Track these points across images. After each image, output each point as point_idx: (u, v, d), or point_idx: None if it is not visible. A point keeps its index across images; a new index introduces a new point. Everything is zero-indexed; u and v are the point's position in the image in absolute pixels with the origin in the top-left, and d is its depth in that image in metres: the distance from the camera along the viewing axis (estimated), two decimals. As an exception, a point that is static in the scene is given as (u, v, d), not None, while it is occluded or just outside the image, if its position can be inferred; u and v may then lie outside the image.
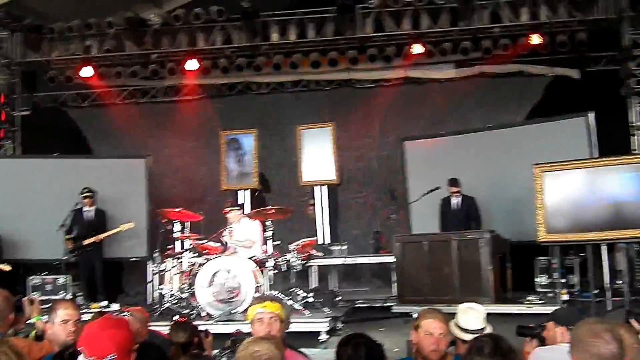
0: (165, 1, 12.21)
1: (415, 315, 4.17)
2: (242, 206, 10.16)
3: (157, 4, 12.11)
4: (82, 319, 4.09)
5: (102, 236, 10.04)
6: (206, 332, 4.76)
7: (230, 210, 9.32)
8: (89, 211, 10.21)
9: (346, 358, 3.34)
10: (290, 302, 8.16)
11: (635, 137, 10.37)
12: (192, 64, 11.10)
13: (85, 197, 10.12)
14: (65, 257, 9.96)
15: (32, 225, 10.46)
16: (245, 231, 9.17)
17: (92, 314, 4.54)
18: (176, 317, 7.84)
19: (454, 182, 9.85)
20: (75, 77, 11.57)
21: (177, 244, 9.29)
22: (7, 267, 9.54)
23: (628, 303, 8.06)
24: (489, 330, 4.07)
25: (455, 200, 9.90)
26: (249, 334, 3.76)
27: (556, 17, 10.29)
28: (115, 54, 11.33)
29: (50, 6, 11.43)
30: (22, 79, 12.04)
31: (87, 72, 11.36)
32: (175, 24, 10.83)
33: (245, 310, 7.75)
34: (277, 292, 8.34)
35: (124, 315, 4.45)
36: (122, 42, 11.21)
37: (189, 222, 9.40)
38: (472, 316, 4.14)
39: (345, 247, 10.56)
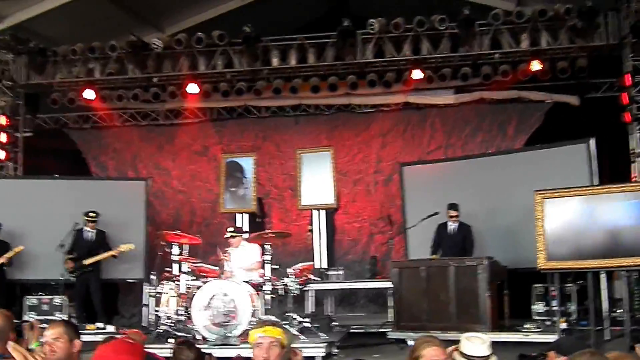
0: (167, 25, 12.37)
1: (410, 343, 4.09)
2: (242, 231, 10.12)
3: (160, 28, 12.26)
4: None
5: (102, 256, 10.06)
6: (210, 355, 4.76)
7: (231, 236, 9.31)
8: (89, 232, 10.27)
9: None
10: (286, 327, 8.08)
11: (636, 164, 10.31)
12: (193, 88, 11.17)
13: (90, 221, 10.20)
14: (64, 278, 9.99)
15: (31, 246, 10.42)
16: (244, 255, 9.15)
17: (104, 337, 4.48)
18: (171, 340, 7.83)
19: (453, 206, 9.82)
20: (77, 99, 11.68)
21: (175, 266, 9.26)
22: (19, 249, 10.02)
23: (628, 333, 7.94)
24: (494, 358, 4.01)
25: (452, 226, 9.87)
26: (249, 359, 3.73)
27: (557, 43, 10.31)
28: (118, 77, 11.42)
29: (55, 30, 11.59)
30: (25, 101, 12.12)
31: (89, 94, 11.45)
32: (177, 47, 10.92)
33: (241, 334, 7.78)
34: (273, 316, 8.27)
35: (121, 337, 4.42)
36: (125, 66, 11.32)
37: (187, 245, 9.38)
38: (477, 343, 4.07)
39: (342, 271, 10.50)
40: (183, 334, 8.26)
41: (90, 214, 10.20)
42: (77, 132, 13.11)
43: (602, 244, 8.14)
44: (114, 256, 10.18)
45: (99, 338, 4.44)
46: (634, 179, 10.06)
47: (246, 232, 10.15)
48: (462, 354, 4.01)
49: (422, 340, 3.75)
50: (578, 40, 10.30)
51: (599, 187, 8.67)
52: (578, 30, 10.16)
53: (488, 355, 3.98)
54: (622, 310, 8.51)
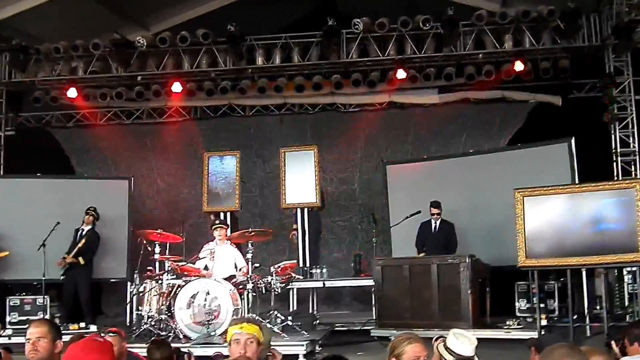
0: (152, 24, 12.33)
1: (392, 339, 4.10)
2: (228, 225, 10.09)
3: (144, 27, 12.21)
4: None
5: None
6: (189, 353, 4.78)
7: (216, 227, 9.29)
8: (81, 229, 10.25)
9: None
10: (269, 325, 8.10)
11: (617, 163, 10.44)
12: (177, 86, 11.15)
13: (87, 214, 10.21)
14: (45, 278, 9.90)
15: (13, 246, 10.38)
16: (227, 253, 9.15)
17: (71, 336, 4.46)
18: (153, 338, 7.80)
19: (435, 204, 9.86)
20: (60, 97, 11.61)
21: (157, 265, 9.24)
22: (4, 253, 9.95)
23: (607, 329, 8.02)
24: None
25: (435, 223, 9.91)
26: (228, 357, 3.75)
27: (540, 44, 10.39)
28: (101, 75, 11.35)
29: (38, 27, 11.50)
30: (7, 99, 12.04)
31: (72, 93, 11.39)
32: (161, 46, 10.86)
33: (224, 333, 7.77)
34: (255, 315, 8.27)
35: (103, 336, 4.41)
36: (108, 64, 11.25)
37: (169, 243, 9.37)
38: (465, 343, 4.09)
39: (325, 270, 10.51)
40: (165, 333, 8.24)
41: (90, 208, 10.28)
42: (60, 130, 13.01)
43: (582, 242, 8.21)
44: None
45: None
46: (614, 178, 10.17)
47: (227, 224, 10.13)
48: (447, 349, 4.03)
49: (403, 338, 3.76)
50: (561, 42, 10.39)
51: (578, 186, 8.77)
52: (561, 32, 10.25)
53: (472, 356, 4.01)
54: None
